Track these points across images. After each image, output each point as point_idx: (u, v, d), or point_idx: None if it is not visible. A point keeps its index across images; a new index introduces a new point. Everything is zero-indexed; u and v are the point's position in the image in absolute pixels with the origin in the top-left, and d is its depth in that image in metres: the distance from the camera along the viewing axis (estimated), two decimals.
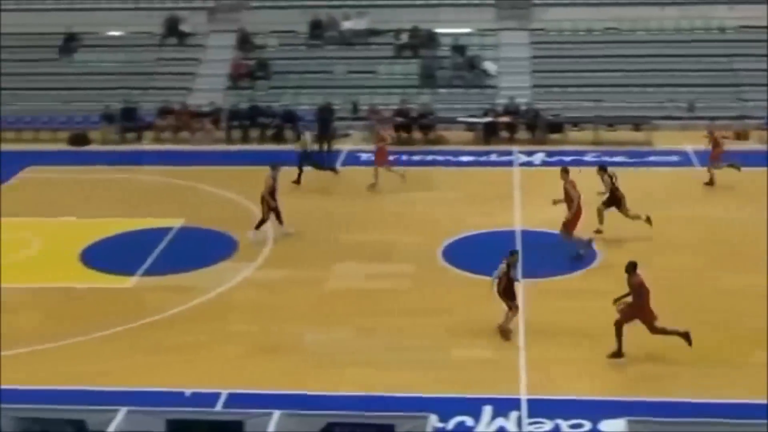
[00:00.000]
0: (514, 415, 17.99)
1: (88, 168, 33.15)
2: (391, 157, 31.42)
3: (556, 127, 36.36)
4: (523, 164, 32.94)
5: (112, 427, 16.26)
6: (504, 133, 36.31)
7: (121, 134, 36.78)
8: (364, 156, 33.88)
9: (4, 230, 27.39)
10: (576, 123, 36.65)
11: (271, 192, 26.37)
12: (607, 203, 26.00)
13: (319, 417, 16.67)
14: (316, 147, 32.19)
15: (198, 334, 21.45)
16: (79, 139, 36.79)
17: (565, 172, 25.35)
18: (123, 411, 16.58)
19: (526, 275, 23.58)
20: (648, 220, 25.91)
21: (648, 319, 19.44)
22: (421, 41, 40.45)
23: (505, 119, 36.29)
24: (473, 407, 18.17)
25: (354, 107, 37.78)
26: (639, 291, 19.40)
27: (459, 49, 39.98)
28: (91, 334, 21.49)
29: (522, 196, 29.31)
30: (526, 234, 26.37)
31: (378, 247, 25.73)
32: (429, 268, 24.61)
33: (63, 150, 36.09)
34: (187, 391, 19.00)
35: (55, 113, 38.40)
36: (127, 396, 18.32)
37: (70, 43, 41.55)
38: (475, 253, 25.29)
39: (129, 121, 37.10)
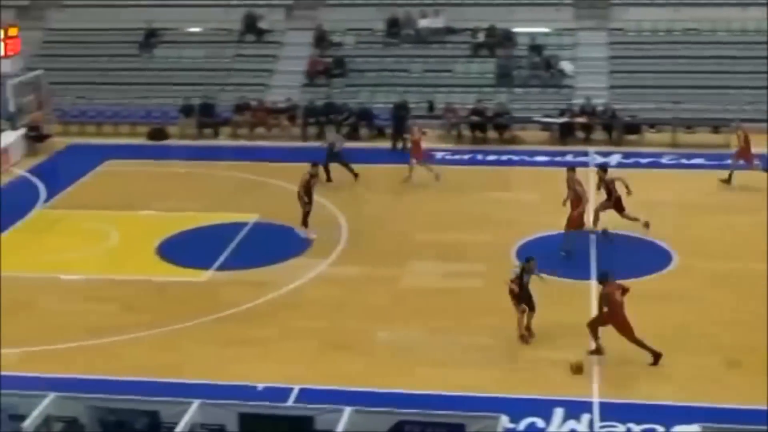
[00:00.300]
0: (585, 417, 17.88)
1: (165, 162, 33.55)
2: (466, 156, 31.36)
3: (633, 128, 36.00)
4: (598, 165, 32.62)
5: (185, 418, 16.44)
6: (580, 134, 36.04)
7: (198, 129, 37.13)
8: (439, 155, 33.84)
9: (85, 222, 27.85)
10: (653, 124, 36.26)
11: (307, 190, 26.45)
12: (605, 205, 26.09)
13: (389, 415, 16.67)
14: (343, 144, 31.91)
15: (271, 329, 21.60)
16: (158, 134, 37.24)
17: (571, 170, 25.70)
18: (196, 403, 16.75)
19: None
20: (646, 224, 25.94)
21: (621, 329, 19.55)
22: (498, 40, 40.28)
23: (581, 120, 36.01)
24: (544, 409, 18.09)
25: (430, 106, 37.74)
26: (608, 301, 19.59)
27: (536, 48, 39.75)
28: (166, 327, 21.76)
29: (597, 198, 29.03)
30: (601, 236, 26.15)
31: (452, 246, 25.69)
32: (502, 268, 24.39)
33: (142, 144, 36.57)
34: (260, 386, 19.17)
35: (134, 108, 38.89)
36: (200, 388, 18.51)
37: (150, 38, 42.06)
38: (549, 253, 25.11)
39: (206, 116, 37.45)
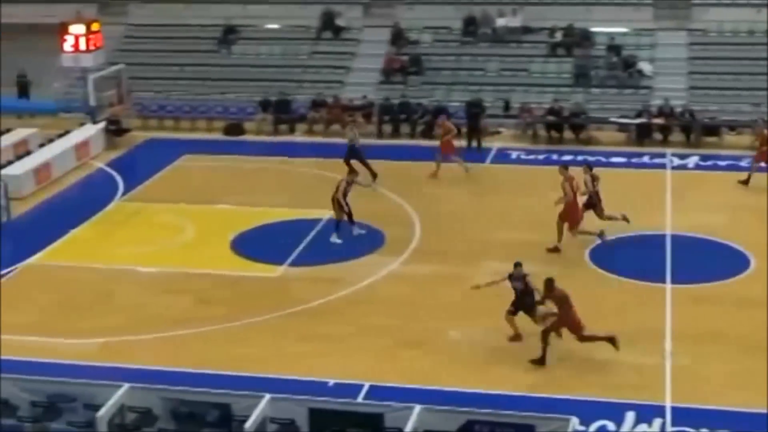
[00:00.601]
0: (657, 422, 17.71)
1: (241, 157, 33.81)
2: (541, 156, 31.13)
3: (712, 130, 35.53)
4: (676, 167, 32.28)
5: (256, 412, 16.58)
6: (657, 135, 35.64)
7: (274, 125, 37.38)
8: (514, 154, 33.70)
9: (161, 215, 28.20)
10: (733, 127, 35.76)
11: (344, 195, 26.49)
12: (587, 205, 25.90)
13: (459, 414, 16.67)
14: (360, 141, 31.75)
15: (342, 325, 21.69)
16: (234, 129, 37.56)
17: (564, 168, 25.72)
18: (267, 398, 16.89)
19: (676, 281, 23.22)
20: (625, 218, 25.90)
21: (573, 329, 19.64)
22: (576, 40, 39.99)
23: (659, 121, 35.60)
24: (616, 412, 17.95)
25: (506, 105, 37.60)
26: (561, 303, 19.67)
27: (614, 48, 39.39)
28: (239, 321, 21.95)
29: (674, 200, 28.76)
30: (676, 238, 25.89)
31: (525, 246, 25.52)
32: (576, 269, 24.34)
33: (218, 139, 36.91)
34: (330, 381, 19.26)
35: (211, 103, 39.29)
36: (270, 383, 18.67)
37: (228, 35, 42.43)
38: (623, 255, 24.96)
39: (283, 112, 37.69)
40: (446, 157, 31.66)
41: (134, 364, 20.04)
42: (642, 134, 35.45)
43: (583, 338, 19.77)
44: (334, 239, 26.20)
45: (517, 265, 20.94)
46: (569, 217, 25.46)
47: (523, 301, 20.75)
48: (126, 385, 17.40)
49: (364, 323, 21.81)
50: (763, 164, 30.03)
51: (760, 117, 33.64)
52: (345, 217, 26.50)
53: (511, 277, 20.87)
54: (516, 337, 20.74)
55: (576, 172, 26.05)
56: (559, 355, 20.05)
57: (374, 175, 30.82)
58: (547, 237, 26.10)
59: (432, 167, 31.35)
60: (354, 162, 30.47)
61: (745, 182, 29.95)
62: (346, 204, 26.55)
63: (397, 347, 20.61)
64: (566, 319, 19.76)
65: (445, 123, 32.44)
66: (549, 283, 19.93)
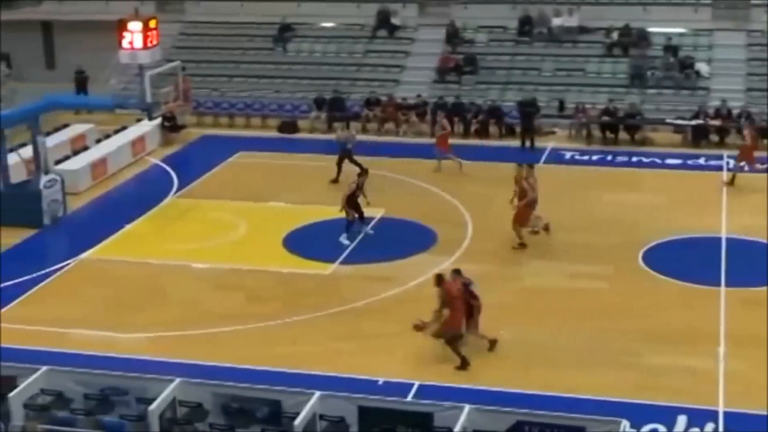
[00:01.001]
0: (710, 426, 17.55)
1: (295, 155, 33.91)
2: (595, 157, 30.91)
3: None
4: (732, 170, 31.92)
5: (306, 409, 16.63)
6: (714, 137, 35.29)
7: (328, 124, 37.46)
8: (567, 155, 33.55)
9: (215, 212, 28.37)
10: None
11: (352, 195, 26.51)
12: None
13: (508, 414, 16.61)
14: (355, 141, 31.70)
15: (393, 324, 21.68)
16: (288, 127, 37.70)
17: (530, 167, 26.23)
18: (317, 395, 16.93)
19: (730, 284, 22.98)
20: (546, 227, 26.04)
21: (444, 327, 19.78)
22: (632, 40, 39.69)
23: (715, 122, 35.24)
24: (667, 416, 17.81)
25: (560, 105, 37.41)
26: (451, 301, 19.72)
27: (671, 48, 39.04)
28: (290, 318, 22.05)
29: (730, 203, 28.46)
30: (731, 241, 25.64)
31: (578, 247, 25.44)
32: (629, 271, 24.19)
33: (272, 137, 37.05)
34: (380, 380, 19.28)
35: (266, 101, 39.47)
36: (321, 380, 18.73)
37: (284, 32, 42.60)
38: (677, 258, 24.74)
39: (337, 110, 37.76)
40: (441, 153, 32.00)
41: (185, 359, 20.19)
42: (698, 136, 35.12)
43: (449, 342, 19.77)
44: (344, 240, 26.16)
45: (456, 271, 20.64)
46: (521, 214, 25.66)
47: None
48: (178, 380, 17.53)
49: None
50: (743, 164, 30.26)
51: (745, 116, 34.16)
52: (356, 217, 26.52)
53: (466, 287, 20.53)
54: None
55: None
56: (609, 358, 19.93)
57: (364, 172, 30.62)
58: (600, 238, 25.99)
59: (478, 166, 31.34)
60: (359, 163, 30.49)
61: (730, 183, 30.04)
62: (352, 206, 26.56)
63: (447, 347, 20.55)
64: (450, 319, 19.70)
65: (443, 120, 32.98)
66: (437, 278, 20.19)
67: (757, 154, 30.92)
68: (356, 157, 30.97)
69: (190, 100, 37.76)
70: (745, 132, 31.38)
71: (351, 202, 26.51)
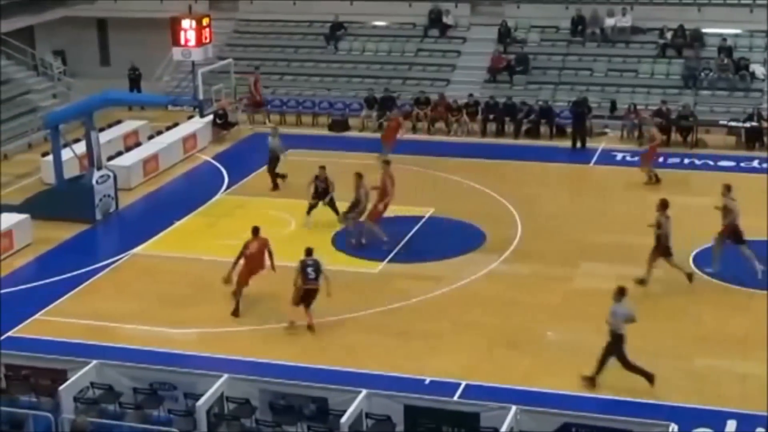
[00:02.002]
0: (759, 431, 17.34)
1: (345, 154, 33.96)
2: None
3: None
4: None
5: (352, 407, 16.67)
6: None
7: (378, 122, 37.47)
8: (619, 156, 33.35)
9: (264, 209, 28.49)
10: None
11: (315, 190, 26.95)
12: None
13: (555, 416, 16.57)
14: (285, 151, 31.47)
15: (440, 323, 21.69)
16: (339, 125, 37.77)
17: (386, 163, 26.40)
18: (363, 393, 16.98)
19: None
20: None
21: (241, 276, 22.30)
22: (686, 41, 39.33)
23: None
24: (716, 420, 17.69)
25: (612, 106, 37.16)
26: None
27: (725, 50, 38.63)
28: (338, 316, 22.09)
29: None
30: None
31: (628, 249, 25.24)
32: (679, 274, 23.98)
33: (323, 135, 37.12)
34: (427, 379, 19.29)
35: (317, 99, 39.57)
36: (368, 378, 18.78)
37: (336, 31, 42.68)
38: (728, 261, 24.46)
39: (388, 110, 37.75)
40: (387, 146, 32.31)
41: (233, 355, 20.35)
42: (752, 138, 34.73)
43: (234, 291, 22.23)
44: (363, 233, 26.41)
45: (309, 252, 21.67)
46: (374, 210, 25.81)
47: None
48: (225, 376, 17.67)
49: (462, 321, 21.80)
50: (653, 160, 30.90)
51: (650, 116, 34.28)
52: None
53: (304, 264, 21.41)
54: (290, 324, 21.56)
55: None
56: (658, 361, 19.78)
57: (274, 187, 30.68)
58: (650, 240, 25.73)
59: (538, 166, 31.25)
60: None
61: (657, 181, 30.15)
62: (314, 199, 27.06)
63: (494, 347, 20.55)
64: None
65: (399, 118, 33.60)
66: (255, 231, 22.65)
67: None
68: (404, 156, 30.86)
69: (260, 96, 38.14)
70: (652, 131, 31.62)
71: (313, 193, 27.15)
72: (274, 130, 32.05)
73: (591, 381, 19.03)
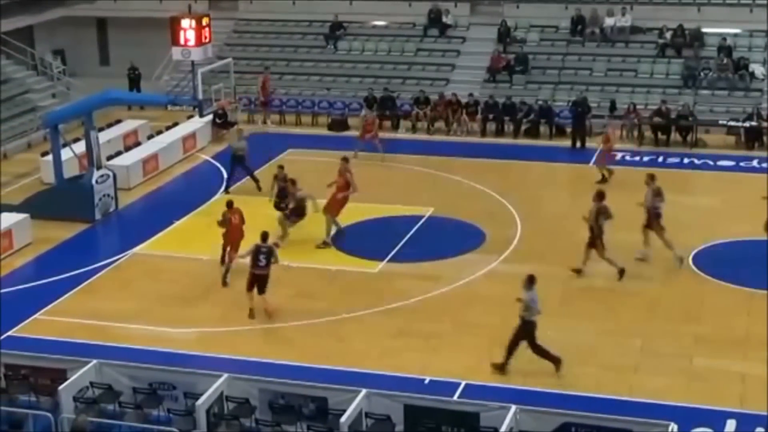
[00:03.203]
0: (759, 431, 17.34)
1: (345, 153, 33.84)
2: (646, 158, 30.68)
3: None
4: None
5: (352, 406, 16.67)
6: None
7: (378, 122, 37.41)
8: (618, 155, 33.31)
9: (264, 208, 28.40)
10: None
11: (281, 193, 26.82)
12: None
13: (555, 415, 16.57)
14: (245, 147, 31.07)
15: (440, 323, 21.69)
16: (338, 125, 37.75)
17: (345, 160, 27.02)
18: (363, 392, 16.97)
19: None
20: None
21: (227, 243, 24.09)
22: (686, 41, 39.32)
23: None
24: (716, 419, 17.68)
25: (612, 106, 37.15)
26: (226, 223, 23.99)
27: (725, 49, 38.63)
28: (338, 315, 22.11)
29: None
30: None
31: (628, 248, 25.24)
32: (679, 273, 24.01)
33: (322, 135, 37.10)
34: (426, 378, 19.28)
35: (316, 98, 39.56)
36: (368, 378, 18.77)
37: (335, 31, 42.67)
38: (727, 261, 24.50)
39: (387, 109, 37.75)
40: (365, 142, 33.16)
41: (233, 355, 20.34)
42: (751, 138, 34.73)
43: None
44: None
45: (264, 237, 22.35)
46: (333, 205, 26.27)
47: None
48: (225, 375, 17.66)
49: (462, 321, 21.79)
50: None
51: (611, 117, 34.63)
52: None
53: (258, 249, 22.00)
54: (250, 313, 22.10)
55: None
56: (658, 360, 19.81)
57: (226, 189, 30.48)
58: (652, 239, 25.77)
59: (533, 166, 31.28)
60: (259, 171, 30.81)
61: (604, 180, 30.02)
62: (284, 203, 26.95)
63: (494, 346, 20.48)
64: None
65: (375, 118, 34.56)
66: (230, 203, 24.50)
67: None
68: (404, 156, 30.92)
69: (265, 97, 38.14)
70: (609, 132, 31.77)
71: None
72: (239, 131, 32.36)
73: (501, 368, 19.47)
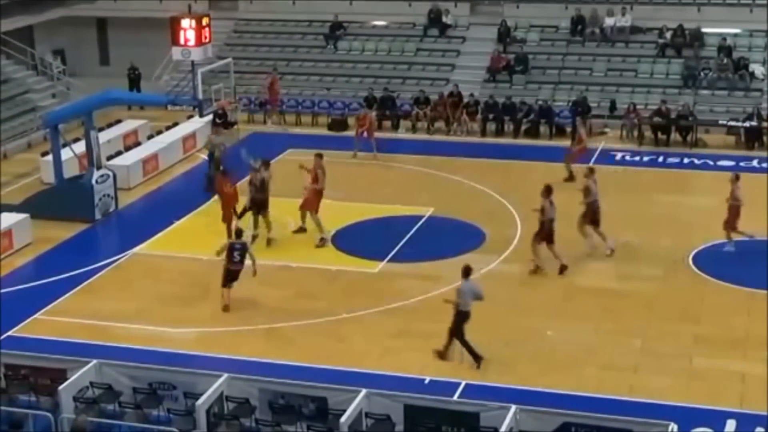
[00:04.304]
0: (759, 431, 17.35)
1: (345, 153, 33.93)
2: (646, 158, 30.67)
3: None
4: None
5: (352, 406, 16.67)
6: None
7: (378, 122, 37.43)
8: (618, 155, 33.35)
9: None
10: None
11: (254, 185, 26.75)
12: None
13: (555, 415, 16.57)
14: (225, 148, 31.20)
15: (440, 323, 21.58)
16: (338, 125, 37.75)
17: (319, 156, 27.04)
18: (363, 392, 16.97)
19: None
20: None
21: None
22: (686, 41, 39.32)
23: None
24: (716, 419, 17.68)
25: (612, 106, 37.16)
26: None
27: (725, 49, 38.63)
28: (338, 315, 22.12)
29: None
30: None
31: (627, 248, 25.29)
32: (678, 273, 24.02)
33: (322, 134, 37.08)
34: (426, 378, 19.29)
35: (316, 98, 39.56)
36: (367, 378, 18.76)
37: (335, 30, 42.67)
38: (728, 261, 24.50)
39: (387, 109, 37.76)
40: (360, 139, 33.62)
41: (233, 355, 20.33)
42: (751, 138, 34.73)
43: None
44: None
45: (239, 234, 23.00)
46: (310, 202, 26.41)
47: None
48: (225, 375, 17.66)
49: None
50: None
51: (582, 120, 34.03)
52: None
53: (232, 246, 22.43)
54: (224, 308, 22.43)
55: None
56: (658, 360, 19.81)
57: (207, 188, 30.29)
58: (649, 240, 25.83)
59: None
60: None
61: (571, 179, 30.07)
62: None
63: (495, 346, 20.52)
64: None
65: (369, 115, 34.51)
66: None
67: None
68: (404, 156, 30.90)
69: (277, 97, 38.19)
70: (581, 131, 31.94)
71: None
72: (217, 130, 32.57)
73: (442, 354, 19.94)
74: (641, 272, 24.07)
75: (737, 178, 25.26)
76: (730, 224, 24.91)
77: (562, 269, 24.00)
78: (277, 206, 28.59)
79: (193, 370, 18.42)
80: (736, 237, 24.97)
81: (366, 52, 42.20)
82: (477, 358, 19.74)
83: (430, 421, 16.86)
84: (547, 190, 24.19)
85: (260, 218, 26.35)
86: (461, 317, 19.80)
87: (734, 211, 24.88)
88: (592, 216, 25.19)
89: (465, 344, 19.80)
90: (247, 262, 22.49)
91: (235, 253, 22.37)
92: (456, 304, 19.80)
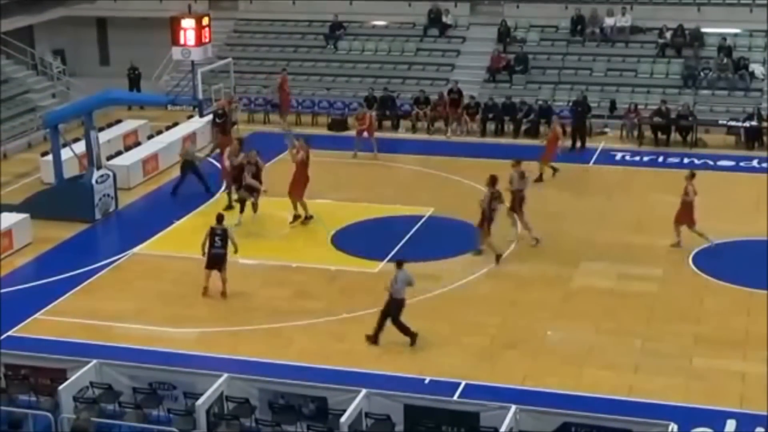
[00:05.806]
0: (759, 431, 17.34)
1: (345, 153, 33.94)
2: (646, 158, 30.60)
3: None
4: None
5: (351, 407, 16.66)
6: None
7: (378, 122, 37.42)
8: (618, 155, 33.34)
9: (264, 208, 28.44)
10: None
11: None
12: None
13: (555, 415, 16.57)
14: (200, 156, 31.66)
15: (440, 323, 21.68)
16: (338, 125, 37.75)
17: (306, 143, 27.94)
18: (363, 392, 16.97)
19: None
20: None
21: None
22: (686, 41, 39.32)
23: None
24: (716, 419, 17.68)
25: (612, 106, 37.16)
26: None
27: (725, 49, 38.63)
28: (337, 315, 22.11)
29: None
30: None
31: (627, 248, 25.30)
32: (678, 273, 24.02)
33: (322, 134, 37.06)
34: (426, 378, 19.28)
35: (316, 98, 39.56)
36: (367, 378, 18.76)
37: (335, 30, 42.67)
38: (728, 260, 24.50)
39: (387, 109, 37.76)
40: (360, 138, 33.99)
41: (233, 355, 20.34)
42: (751, 138, 34.73)
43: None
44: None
45: (219, 219, 23.57)
46: (296, 186, 27.39)
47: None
48: (225, 375, 17.66)
49: (461, 321, 21.79)
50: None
51: (557, 118, 34.18)
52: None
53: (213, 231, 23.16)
54: (204, 291, 23.21)
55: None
56: (658, 360, 19.81)
57: (174, 192, 30.56)
58: (649, 240, 25.82)
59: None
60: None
61: (541, 179, 30.74)
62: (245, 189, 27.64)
63: (494, 346, 20.55)
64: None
65: (368, 114, 34.72)
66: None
67: None
68: (404, 156, 30.87)
69: (288, 97, 38.21)
70: (556, 128, 32.06)
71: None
72: (191, 140, 32.84)
73: (373, 339, 20.68)
74: (641, 272, 24.07)
75: (693, 175, 25.57)
76: (681, 220, 25.11)
77: (498, 259, 24.71)
78: (277, 206, 28.68)
79: (193, 370, 18.42)
80: (701, 238, 25.07)
81: (366, 52, 42.21)
82: (412, 336, 20.55)
83: (430, 421, 16.86)
84: (492, 181, 24.86)
85: (248, 202, 27.15)
86: (396, 304, 20.58)
87: (687, 207, 24.94)
88: (515, 204, 26.02)
89: (401, 328, 20.57)
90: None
91: (216, 238, 23.00)
92: (390, 292, 20.57)
